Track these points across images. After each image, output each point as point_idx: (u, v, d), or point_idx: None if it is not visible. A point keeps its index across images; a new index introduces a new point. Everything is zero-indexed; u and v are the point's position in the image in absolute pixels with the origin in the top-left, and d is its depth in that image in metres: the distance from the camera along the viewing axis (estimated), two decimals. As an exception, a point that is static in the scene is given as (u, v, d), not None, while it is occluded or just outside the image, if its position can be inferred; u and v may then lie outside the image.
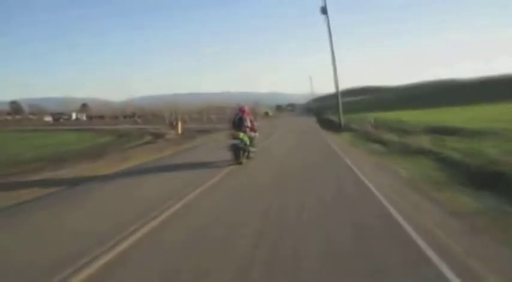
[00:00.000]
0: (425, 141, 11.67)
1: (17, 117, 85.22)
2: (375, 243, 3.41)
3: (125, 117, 78.46)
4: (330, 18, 23.31)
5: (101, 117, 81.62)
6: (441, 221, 4.07)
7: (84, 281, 2.82)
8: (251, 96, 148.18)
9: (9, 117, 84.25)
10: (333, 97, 30.44)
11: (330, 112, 42.84)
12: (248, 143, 9.01)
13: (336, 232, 3.76)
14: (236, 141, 8.68)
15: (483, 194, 5.17)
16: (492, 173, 5.77)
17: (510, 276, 2.73)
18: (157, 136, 22.90)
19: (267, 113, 69.85)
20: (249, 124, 9.21)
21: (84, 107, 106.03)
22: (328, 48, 23.79)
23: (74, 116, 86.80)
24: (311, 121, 39.75)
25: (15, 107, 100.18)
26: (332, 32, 23.50)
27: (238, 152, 8.68)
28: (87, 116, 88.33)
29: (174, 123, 26.19)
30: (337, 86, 24.47)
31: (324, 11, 23.49)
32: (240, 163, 8.61)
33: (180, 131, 23.68)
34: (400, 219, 4.11)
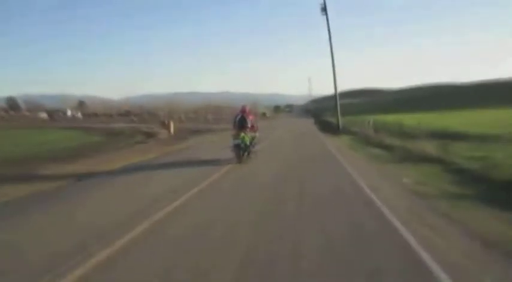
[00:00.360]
0: (430, 147, 10.91)
1: (12, 113, 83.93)
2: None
3: (119, 115, 77.28)
4: (330, 21, 22.78)
5: (95, 115, 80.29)
6: (480, 258, 3.11)
7: None
8: (250, 96, 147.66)
9: (3, 113, 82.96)
10: (331, 99, 29.78)
11: (328, 114, 42.16)
12: (249, 143, 9.17)
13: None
14: (238, 141, 8.89)
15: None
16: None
17: None
18: (150, 136, 22.17)
19: (264, 114, 70.75)
20: (249, 124, 9.30)
21: (81, 104, 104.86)
22: (327, 50, 23.23)
23: (69, 113, 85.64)
24: (309, 123, 39.02)
25: (11, 103, 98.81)
26: (331, 34, 22.90)
27: (239, 151, 8.88)
28: (82, 114, 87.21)
29: (166, 122, 25.31)
30: (335, 87, 23.81)
31: (323, 10, 23.02)
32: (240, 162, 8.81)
33: (172, 131, 22.85)
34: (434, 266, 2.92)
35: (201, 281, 2.78)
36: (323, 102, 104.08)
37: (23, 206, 5.42)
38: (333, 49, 22.94)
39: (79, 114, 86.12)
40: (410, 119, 26.89)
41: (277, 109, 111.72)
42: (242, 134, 8.97)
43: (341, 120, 23.20)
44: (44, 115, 79.07)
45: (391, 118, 29.38)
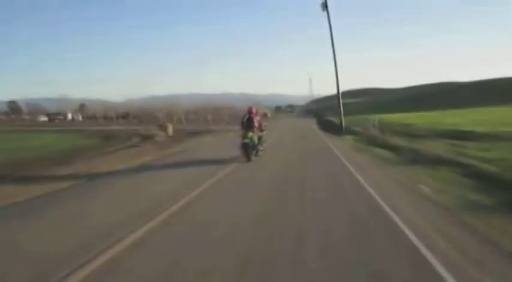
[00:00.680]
0: (440, 147, 10.24)
1: (12, 117, 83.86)
2: None
3: (118, 117, 76.76)
4: (331, 21, 22.08)
5: (95, 117, 79.81)
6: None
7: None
8: (251, 97, 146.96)
9: (3, 117, 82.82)
10: (332, 98, 29.17)
11: (329, 114, 41.43)
12: (257, 141, 9.73)
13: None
14: (247, 141, 9.30)
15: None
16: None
17: None
18: (146, 138, 21.48)
19: (265, 114, 69.83)
20: (256, 124, 9.75)
21: (82, 107, 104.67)
22: (328, 50, 22.66)
23: (69, 116, 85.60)
24: (311, 123, 38.24)
25: (13, 107, 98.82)
26: (332, 33, 22.22)
27: (247, 150, 9.30)
28: (83, 117, 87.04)
29: (163, 124, 24.73)
30: (338, 86, 23.14)
31: (324, 7, 22.45)
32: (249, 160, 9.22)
33: (170, 132, 22.26)
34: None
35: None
36: (324, 102, 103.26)
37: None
38: (334, 47, 22.31)
39: (79, 117, 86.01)
40: (414, 118, 26.27)
41: (278, 109, 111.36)
42: (250, 134, 9.41)
43: (344, 120, 22.53)
44: (44, 118, 79.41)
45: (395, 117, 28.74)
